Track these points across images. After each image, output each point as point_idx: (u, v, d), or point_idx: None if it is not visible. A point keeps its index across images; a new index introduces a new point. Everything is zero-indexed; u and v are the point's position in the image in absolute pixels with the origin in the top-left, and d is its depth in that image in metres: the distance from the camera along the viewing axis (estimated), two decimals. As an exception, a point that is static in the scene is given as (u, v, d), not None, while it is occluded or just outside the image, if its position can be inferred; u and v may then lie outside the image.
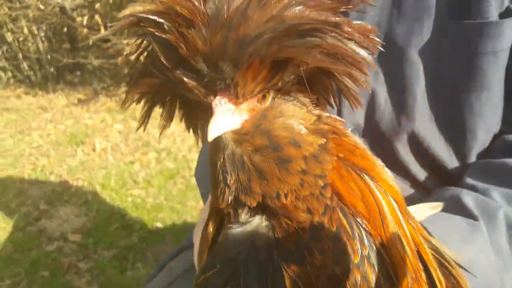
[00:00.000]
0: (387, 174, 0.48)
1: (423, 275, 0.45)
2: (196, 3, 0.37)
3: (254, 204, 0.44)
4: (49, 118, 3.78)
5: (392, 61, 0.76)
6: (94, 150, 3.27)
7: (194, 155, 3.09)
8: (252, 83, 0.38)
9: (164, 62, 0.38)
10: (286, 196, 0.43)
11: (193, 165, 2.96)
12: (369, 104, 0.77)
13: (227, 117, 0.39)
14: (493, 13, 0.71)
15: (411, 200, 0.81)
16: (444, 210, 0.67)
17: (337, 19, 0.37)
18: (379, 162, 0.49)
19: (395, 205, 0.46)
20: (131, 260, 2.24)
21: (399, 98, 0.77)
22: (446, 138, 0.79)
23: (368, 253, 0.43)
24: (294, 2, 0.37)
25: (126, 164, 3.06)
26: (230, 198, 0.44)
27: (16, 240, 2.39)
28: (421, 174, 0.82)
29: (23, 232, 2.47)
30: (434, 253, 0.48)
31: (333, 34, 0.37)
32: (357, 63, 0.38)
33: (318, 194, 0.43)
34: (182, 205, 2.60)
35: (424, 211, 0.60)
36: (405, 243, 0.44)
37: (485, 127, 0.78)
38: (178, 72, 0.38)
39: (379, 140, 0.75)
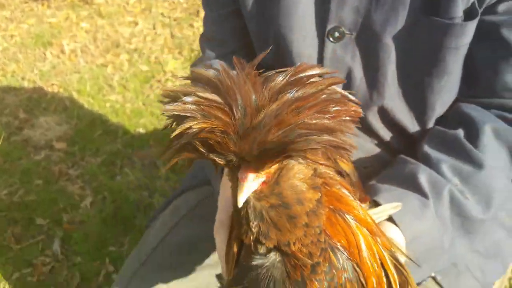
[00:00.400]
0: (364, 211, 0.66)
1: (384, 280, 0.65)
2: (227, 119, 0.50)
3: (271, 246, 0.60)
4: (9, 17, 3.62)
5: (368, 45, 0.87)
6: (63, 52, 3.23)
7: (166, 57, 3.11)
8: (269, 165, 0.53)
9: (201, 150, 0.52)
10: (294, 244, 0.59)
11: (167, 68, 3.01)
12: (346, 79, 0.90)
13: (250, 184, 0.53)
14: (459, 13, 0.81)
15: (377, 158, 0.98)
16: (403, 185, 0.84)
17: (333, 125, 0.50)
18: (357, 204, 0.66)
19: (367, 234, 0.64)
20: (119, 165, 2.41)
21: (372, 77, 0.89)
22: (409, 110, 0.94)
23: (348, 274, 0.62)
24: (299, 109, 0.50)
25: (98, 67, 3.07)
26: (252, 238, 0.60)
27: (3, 151, 2.50)
28: (387, 136, 0.98)
29: (8, 142, 2.56)
30: (392, 259, 0.67)
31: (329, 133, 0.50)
32: (345, 147, 0.52)
33: (316, 241, 0.60)
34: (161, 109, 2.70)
35: (386, 211, 0.78)
36: (373, 261, 0.64)
37: (442, 103, 0.93)
38: (212, 155, 0.52)
39: None
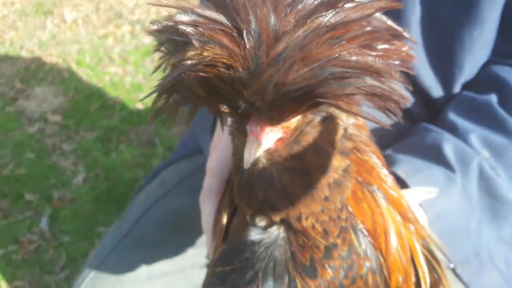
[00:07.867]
0: (397, 190, 0.53)
1: (413, 278, 0.52)
2: (235, 49, 0.35)
3: (277, 220, 0.47)
4: (10, -17, 3.49)
5: None
6: (64, 21, 3.10)
7: (171, 29, 2.96)
8: (289, 115, 0.38)
9: (198, 91, 0.37)
10: (306, 219, 0.46)
11: (170, 41, 2.86)
12: None
13: (262, 140, 0.38)
14: None
15: (395, 126, 0.84)
16: (425, 156, 0.71)
17: (380, 66, 0.34)
18: (391, 180, 0.53)
19: (398, 218, 0.51)
20: (115, 142, 2.30)
21: None
22: (434, 67, 0.79)
23: (371, 263, 0.49)
24: (335, 40, 0.34)
25: (99, 38, 2.94)
26: (254, 207, 0.47)
27: (-4, 122, 2.40)
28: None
29: (2, 113, 2.46)
30: (425, 252, 0.54)
31: (373, 76, 0.35)
32: (394, 100, 0.36)
33: (336, 217, 0.47)
34: (162, 84, 2.58)
35: (419, 196, 0.65)
36: (401, 253, 0.51)
37: (473, 61, 0.78)
38: (212, 99, 0.37)
39: None
